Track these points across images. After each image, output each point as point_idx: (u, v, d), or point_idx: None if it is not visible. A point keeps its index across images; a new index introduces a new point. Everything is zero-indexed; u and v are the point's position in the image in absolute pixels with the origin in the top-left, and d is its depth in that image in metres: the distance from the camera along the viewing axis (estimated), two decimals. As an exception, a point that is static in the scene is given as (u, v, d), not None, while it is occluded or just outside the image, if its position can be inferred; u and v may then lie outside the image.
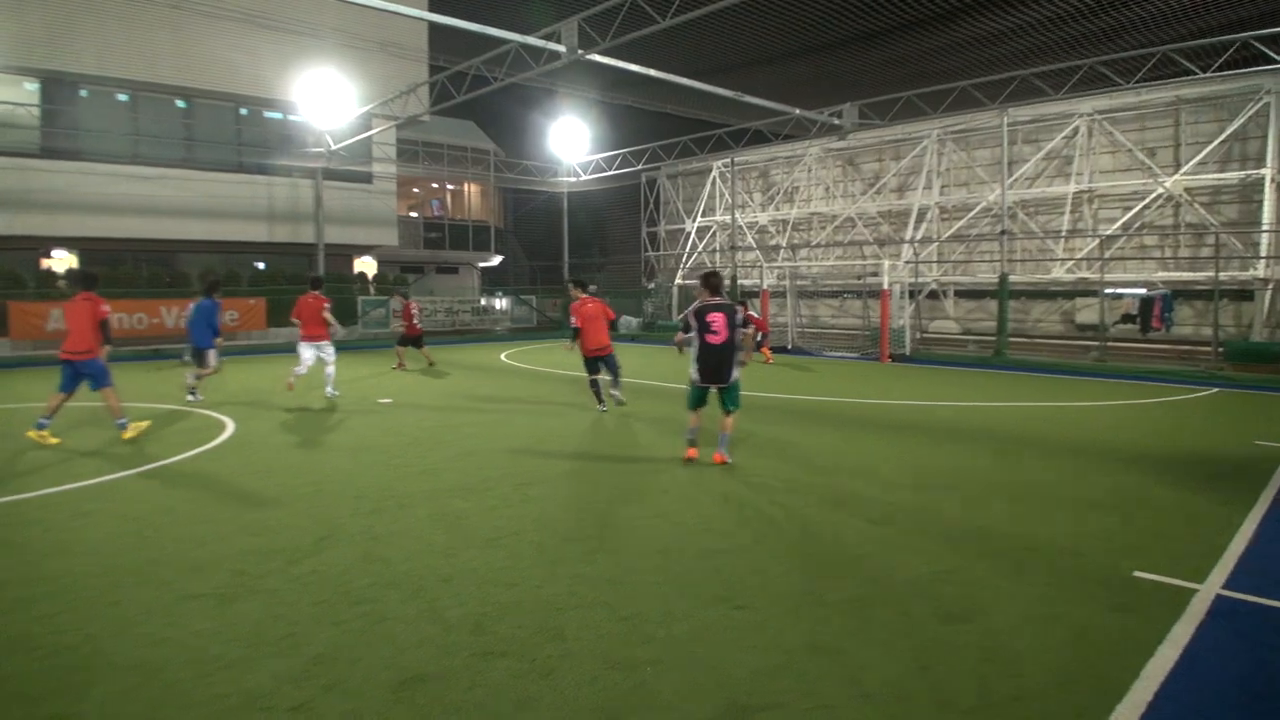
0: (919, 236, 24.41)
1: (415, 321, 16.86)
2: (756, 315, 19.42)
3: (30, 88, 21.87)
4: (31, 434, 8.53)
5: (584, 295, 10.62)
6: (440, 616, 4.08)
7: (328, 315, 11.83)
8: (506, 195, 40.36)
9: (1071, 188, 21.60)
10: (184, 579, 4.65)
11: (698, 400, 7.57)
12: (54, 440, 8.49)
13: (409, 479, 7.01)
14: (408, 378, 15.15)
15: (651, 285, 32.55)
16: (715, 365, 7.37)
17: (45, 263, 22.59)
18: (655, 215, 34.39)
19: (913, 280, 22.51)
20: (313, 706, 3.24)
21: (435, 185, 36.44)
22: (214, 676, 3.49)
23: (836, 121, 21.47)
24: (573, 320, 10.46)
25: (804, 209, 28.57)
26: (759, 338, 19.32)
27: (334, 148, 24.01)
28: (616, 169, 29.10)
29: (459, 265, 36.31)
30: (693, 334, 7.43)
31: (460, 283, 35.68)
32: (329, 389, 12.11)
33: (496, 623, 4.01)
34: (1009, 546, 5.24)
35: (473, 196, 37.01)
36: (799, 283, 24.58)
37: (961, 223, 23.90)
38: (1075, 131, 21.59)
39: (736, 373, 7.44)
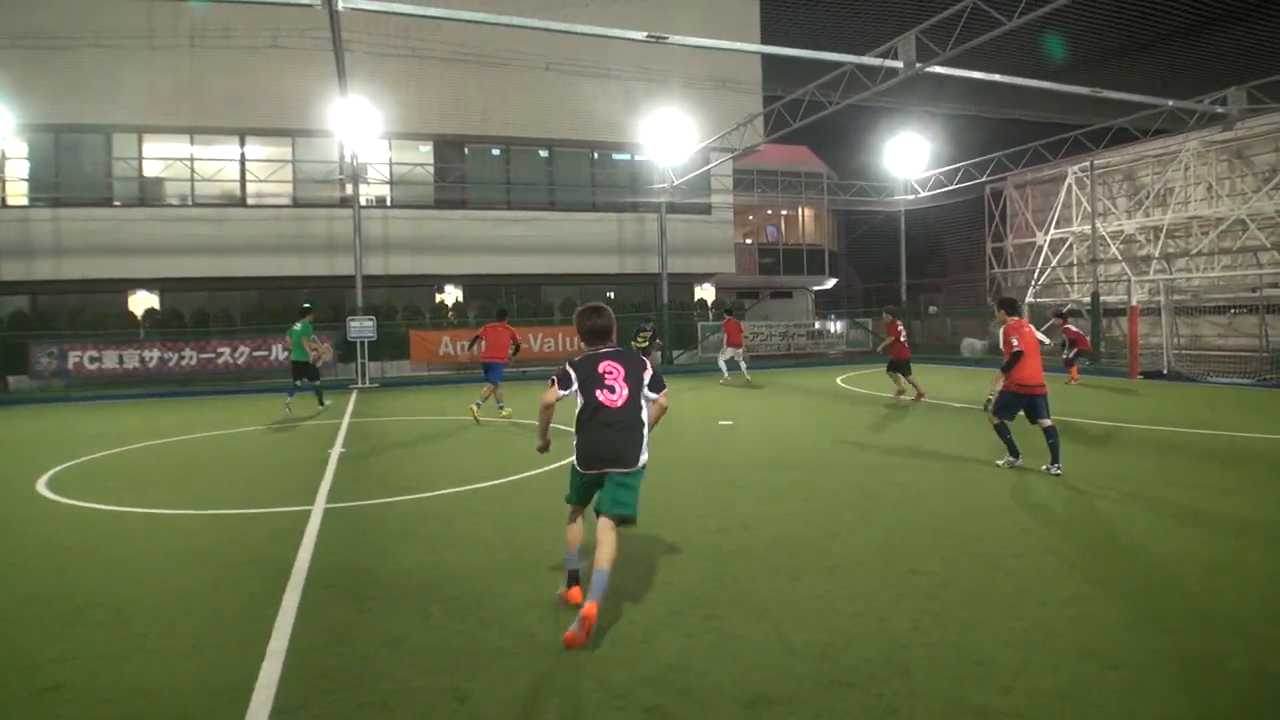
0: (1336, 238, 20.43)
1: (903, 340, 15.10)
2: (1074, 329, 17.51)
3: (424, 150, 25.81)
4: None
5: (1018, 318, 8.46)
6: (785, 640, 4.14)
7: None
8: (840, 217, 40.10)
9: None
10: (551, 579, 5.17)
11: (581, 493, 4.72)
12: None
13: (751, 501, 7.21)
14: (752, 398, 15.54)
15: (998, 304, 30.43)
16: (612, 441, 4.50)
17: (438, 296, 26.35)
18: (1001, 229, 32.23)
19: (1330, 291, 18.88)
20: (666, 711, 3.44)
21: (770, 211, 37.17)
22: (581, 670, 3.84)
23: (1220, 110, 18.72)
24: (1015, 343, 8.10)
25: (1180, 213, 25.17)
26: (1072, 354, 17.40)
27: (676, 183, 25.46)
28: (957, 183, 27.66)
29: (793, 289, 36.66)
30: (571, 390, 4.60)
31: (794, 307, 36.03)
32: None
33: (841, 652, 3.99)
34: None
35: (806, 221, 37.25)
36: (1176, 298, 21.59)
37: (1401, 219, 19.63)
38: None
39: (644, 455, 4.61)
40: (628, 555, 5.57)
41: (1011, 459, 8.39)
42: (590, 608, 4.14)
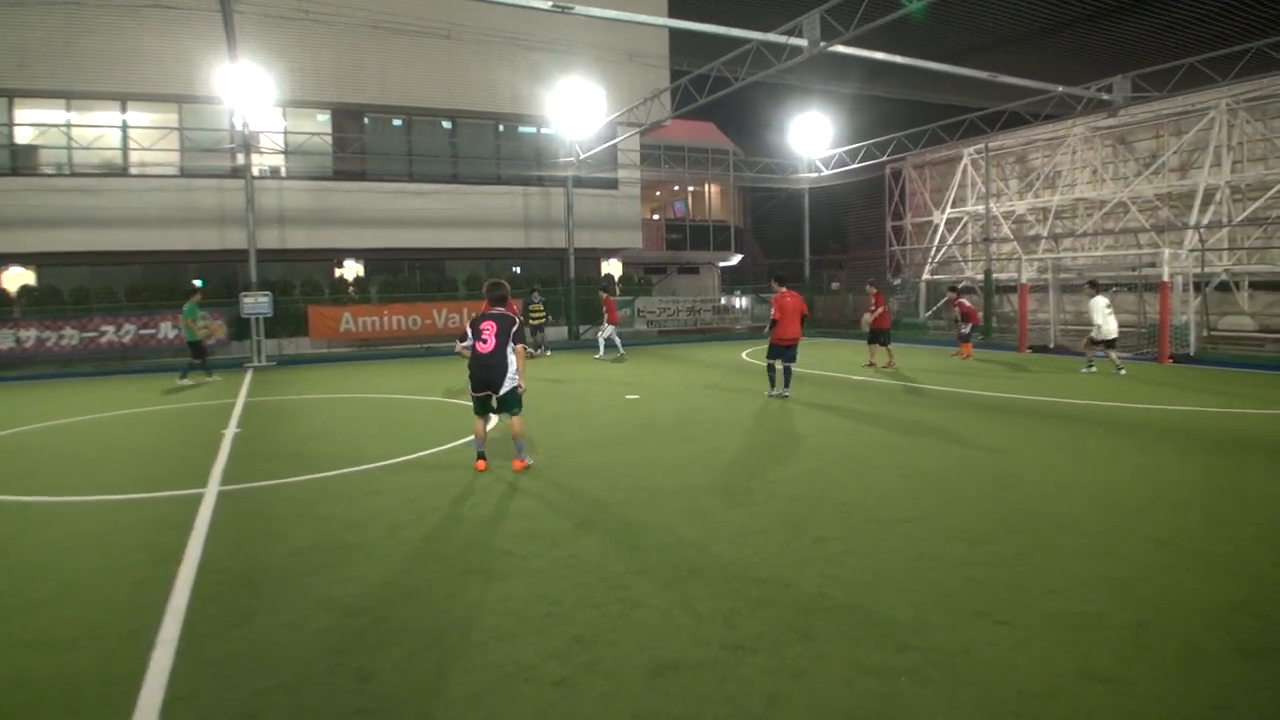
0: (1205, 221, 21.70)
1: (886, 309, 15.90)
2: (968, 304, 18.18)
3: (322, 119, 24.86)
4: None
5: (783, 290, 11.95)
6: (691, 608, 4.20)
7: None
8: (746, 194, 40.51)
9: None
10: (459, 555, 5.13)
11: (479, 408, 7.52)
12: None
13: (658, 474, 7.27)
14: (658, 372, 15.63)
15: (897, 281, 31.38)
16: (484, 374, 7.28)
17: (338, 271, 25.56)
18: (900, 208, 33.12)
19: (1198, 271, 20.05)
20: (573, 683, 3.46)
21: (677, 188, 37.27)
22: (487, 645, 3.83)
23: (1105, 97, 19.61)
24: (773, 312, 11.70)
25: (1067, 195, 26.32)
26: (967, 330, 17.97)
27: (582, 157, 25.25)
28: (859, 162, 28.27)
29: (699, 265, 36.92)
30: (469, 342, 7.36)
31: (701, 282, 36.30)
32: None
33: (746, 619, 4.06)
34: (1330, 573, 4.56)
35: (713, 197, 37.50)
36: (1062, 276, 22.62)
37: (1258, 204, 20.89)
38: None
39: (510, 383, 7.30)
40: (533, 529, 5.61)
41: (772, 392, 12.06)
42: (517, 464, 7.54)
